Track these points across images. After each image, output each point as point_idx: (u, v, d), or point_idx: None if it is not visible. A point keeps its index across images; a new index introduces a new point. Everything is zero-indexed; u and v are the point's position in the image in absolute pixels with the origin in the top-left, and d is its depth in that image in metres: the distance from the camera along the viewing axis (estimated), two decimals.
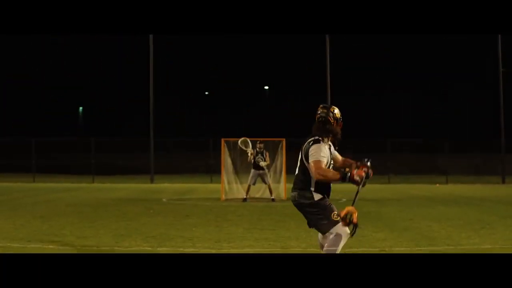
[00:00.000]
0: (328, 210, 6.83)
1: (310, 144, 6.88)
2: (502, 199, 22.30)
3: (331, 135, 7.04)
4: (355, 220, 6.68)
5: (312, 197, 6.87)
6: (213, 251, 9.50)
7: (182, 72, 66.08)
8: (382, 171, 40.70)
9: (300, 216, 7.17)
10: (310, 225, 7.04)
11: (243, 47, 67.74)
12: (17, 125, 58.50)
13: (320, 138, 6.92)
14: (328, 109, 7.09)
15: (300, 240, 10.86)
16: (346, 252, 9.43)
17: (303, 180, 6.94)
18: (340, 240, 6.83)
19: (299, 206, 7.00)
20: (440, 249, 9.78)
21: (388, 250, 9.69)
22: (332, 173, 6.80)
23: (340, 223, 6.77)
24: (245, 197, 20.79)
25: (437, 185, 35.55)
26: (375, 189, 29.94)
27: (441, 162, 42.26)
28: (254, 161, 20.47)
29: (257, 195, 21.76)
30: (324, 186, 6.93)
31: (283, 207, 17.98)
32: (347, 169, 6.90)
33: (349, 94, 59.05)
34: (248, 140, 20.42)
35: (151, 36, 37.52)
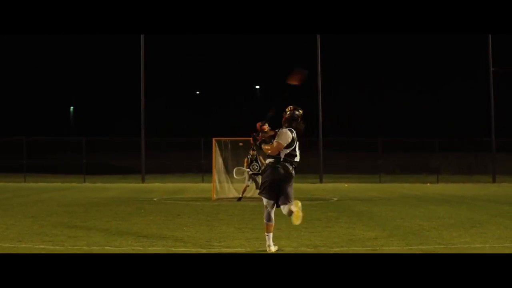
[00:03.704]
0: None
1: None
2: (493, 198, 22.39)
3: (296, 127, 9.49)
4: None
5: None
6: (204, 251, 9.50)
7: (173, 72, 66.05)
8: (373, 170, 40.80)
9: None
10: (281, 193, 9.46)
11: (235, 47, 67.77)
12: (8, 124, 58.30)
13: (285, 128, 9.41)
14: (295, 109, 9.83)
15: (291, 239, 10.88)
16: (338, 252, 9.45)
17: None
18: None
19: (291, 176, 9.41)
20: (431, 248, 9.81)
21: (379, 249, 9.71)
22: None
23: None
24: (240, 196, 20.91)
25: (428, 184, 35.66)
26: (366, 189, 30.00)
27: (432, 161, 42.37)
28: (250, 168, 20.69)
29: (249, 195, 21.78)
30: None
31: None
32: None
33: (340, 94, 59.12)
34: (242, 168, 20.91)
35: (142, 36, 37.72)
